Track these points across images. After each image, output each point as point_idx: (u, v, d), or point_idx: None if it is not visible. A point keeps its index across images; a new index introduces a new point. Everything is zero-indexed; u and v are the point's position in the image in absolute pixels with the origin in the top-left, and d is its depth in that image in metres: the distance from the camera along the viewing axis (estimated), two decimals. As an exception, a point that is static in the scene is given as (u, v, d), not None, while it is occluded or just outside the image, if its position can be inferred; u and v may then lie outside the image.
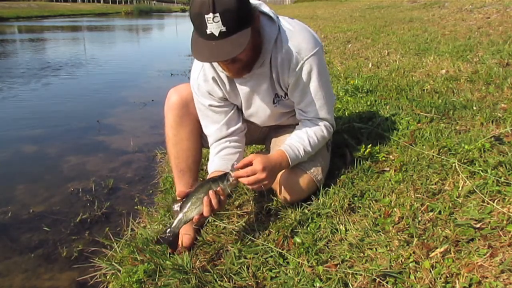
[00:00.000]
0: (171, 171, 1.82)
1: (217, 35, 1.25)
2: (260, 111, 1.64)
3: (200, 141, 1.74)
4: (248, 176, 1.40)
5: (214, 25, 1.23)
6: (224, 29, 1.24)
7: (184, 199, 1.41)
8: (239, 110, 1.70)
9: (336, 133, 2.14)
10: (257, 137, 1.93)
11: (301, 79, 1.51)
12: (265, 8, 1.47)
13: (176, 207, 1.43)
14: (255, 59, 1.45)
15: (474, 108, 2.27)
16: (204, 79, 1.59)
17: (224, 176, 1.41)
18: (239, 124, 1.68)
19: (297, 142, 1.57)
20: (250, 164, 1.41)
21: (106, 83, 6.42)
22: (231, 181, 1.40)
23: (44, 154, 3.38)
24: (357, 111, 2.58)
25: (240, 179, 1.41)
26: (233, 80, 1.56)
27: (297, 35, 1.48)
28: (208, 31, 1.25)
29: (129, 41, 14.62)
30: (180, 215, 1.41)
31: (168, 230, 1.43)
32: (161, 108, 1.74)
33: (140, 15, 39.43)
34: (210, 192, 1.37)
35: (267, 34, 1.45)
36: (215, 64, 1.52)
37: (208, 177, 1.58)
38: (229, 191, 1.43)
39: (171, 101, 1.67)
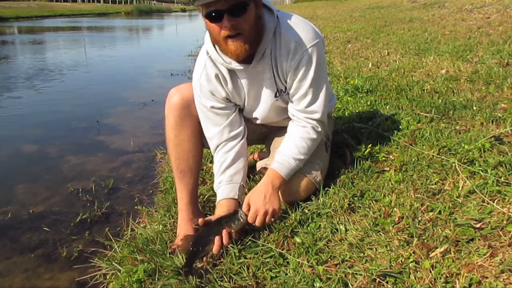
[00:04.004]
0: (171, 171, 1.82)
1: None
2: (262, 105, 1.64)
3: (201, 142, 1.73)
4: (255, 219, 1.47)
5: None
6: None
7: (196, 238, 1.44)
8: (241, 113, 1.69)
9: (336, 133, 2.15)
10: (255, 137, 1.93)
11: (299, 70, 1.51)
12: (265, 0, 1.48)
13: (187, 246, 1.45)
14: (255, 39, 1.43)
15: (474, 108, 2.27)
16: (206, 79, 1.59)
17: (234, 216, 1.48)
18: (241, 128, 1.67)
19: (286, 157, 1.57)
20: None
21: (106, 83, 6.42)
22: (241, 220, 1.47)
23: (44, 154, 3.38)
24: (357, 111, 2.58)
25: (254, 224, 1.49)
26: (235, 76, 1.55)
27: (297, 26, 1.49)
28: None
29: (129, 41, 14.59)
30: (192, 255, 1.42)
31: (184, 269, 1.39)
32: (161, 108, 1.73)
33: (140, 15, 39.38)
34: (224, 232, 1.44)
35: (267, 24, 1.46)
36: (216, 58, 1.51)
37: (216, 208, 1.62)
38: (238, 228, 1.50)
39: (172, 101, 1.66)
